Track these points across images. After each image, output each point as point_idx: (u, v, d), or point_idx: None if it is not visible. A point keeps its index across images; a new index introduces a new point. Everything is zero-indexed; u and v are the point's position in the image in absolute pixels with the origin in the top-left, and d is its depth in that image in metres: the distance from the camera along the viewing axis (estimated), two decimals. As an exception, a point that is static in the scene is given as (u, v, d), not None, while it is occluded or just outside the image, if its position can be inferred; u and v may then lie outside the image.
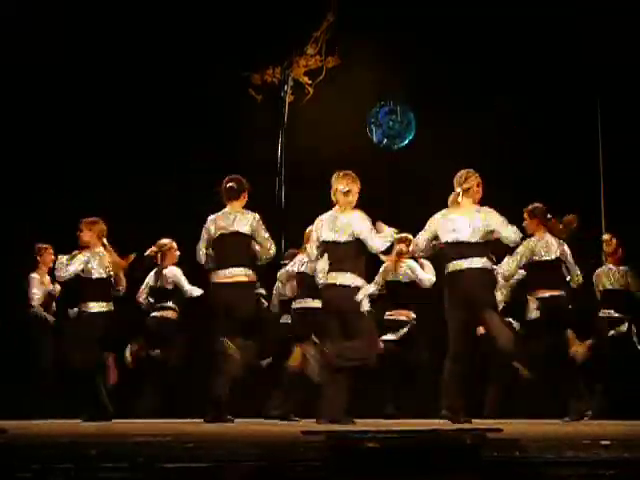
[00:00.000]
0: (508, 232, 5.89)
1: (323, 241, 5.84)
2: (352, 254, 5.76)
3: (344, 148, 8.38)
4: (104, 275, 6.76)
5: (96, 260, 6.73)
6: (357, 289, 5.72)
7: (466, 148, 8.24)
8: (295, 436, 3.45)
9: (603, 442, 3.10)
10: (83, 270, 6.73)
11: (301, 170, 8.93)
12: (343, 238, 5.75)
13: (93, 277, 6.72)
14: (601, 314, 7.61)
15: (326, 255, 5.86)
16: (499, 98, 8.64)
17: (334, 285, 5.74)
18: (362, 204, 5.93)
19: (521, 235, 6.10)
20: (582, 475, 2.76)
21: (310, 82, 9.47)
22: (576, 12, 8.45)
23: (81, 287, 6.83)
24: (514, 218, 6.24)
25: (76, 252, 6.80)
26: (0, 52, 8.32)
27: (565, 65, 8.82)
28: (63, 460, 2.69)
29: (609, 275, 7.67)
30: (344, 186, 5.82)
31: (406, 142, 9.44)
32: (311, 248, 5.98)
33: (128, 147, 8.96)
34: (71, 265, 6.75)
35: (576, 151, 8.80)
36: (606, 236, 7.84)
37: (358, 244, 5.75)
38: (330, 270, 5.79)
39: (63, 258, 6.83)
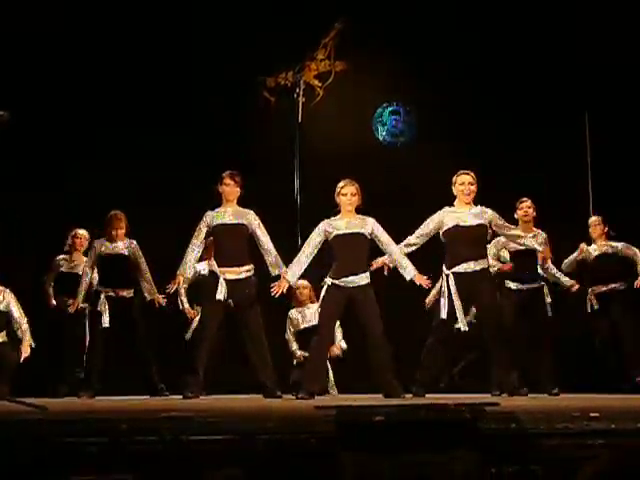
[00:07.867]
0: None
1: None
2: None
3: (350, 145, 8.34)
4: None
5: None
6: None
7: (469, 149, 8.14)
8: (309, 411, 3.45)
9: (592, 414, 3.08)
10: None
11: (312, 167, 8.75)
12: None
13: None
14: None
15: None
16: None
17: None
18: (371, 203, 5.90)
19: None
20: (572, 445, 2.73)
21: (320, 85, 9.43)
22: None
23: None
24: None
25: None
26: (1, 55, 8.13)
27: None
28: (97, 434, 2.68)
29: None
30: None
31: (409, 140, 9.39)
32: None
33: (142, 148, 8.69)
34: None
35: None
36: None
37: None
38: None
39: None
